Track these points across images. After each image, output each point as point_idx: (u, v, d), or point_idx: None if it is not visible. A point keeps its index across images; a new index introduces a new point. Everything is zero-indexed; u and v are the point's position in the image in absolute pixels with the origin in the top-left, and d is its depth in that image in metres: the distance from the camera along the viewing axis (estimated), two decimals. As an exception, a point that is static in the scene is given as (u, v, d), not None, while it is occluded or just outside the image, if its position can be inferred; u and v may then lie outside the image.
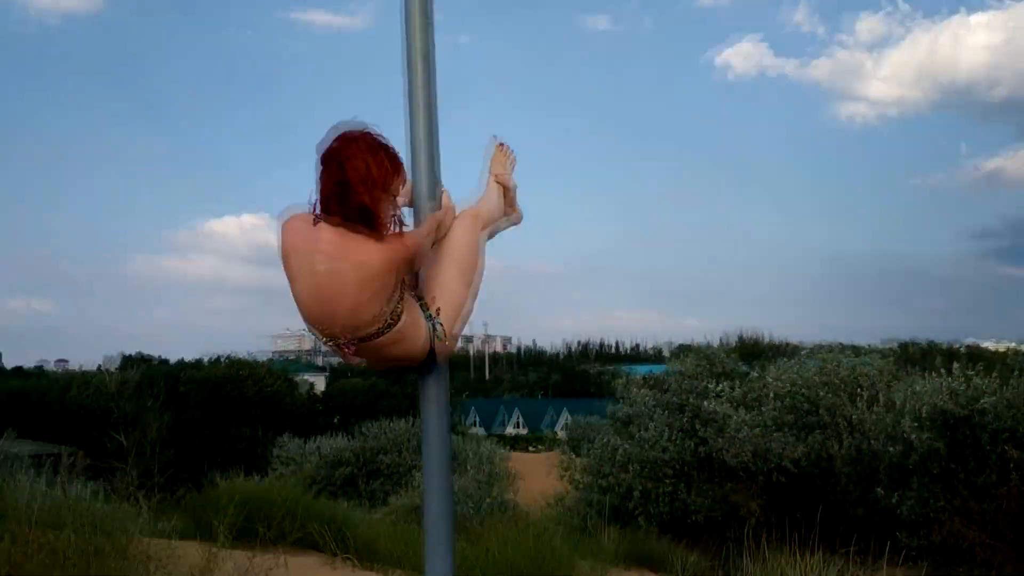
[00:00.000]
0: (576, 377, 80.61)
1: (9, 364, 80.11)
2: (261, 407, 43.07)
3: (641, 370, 23.50)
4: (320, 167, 2.38)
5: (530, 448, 45.88)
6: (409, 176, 2.62)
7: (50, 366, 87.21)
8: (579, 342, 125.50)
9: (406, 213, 2.64)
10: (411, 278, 2.60)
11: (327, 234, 2.33)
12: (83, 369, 65.44)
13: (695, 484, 12.39)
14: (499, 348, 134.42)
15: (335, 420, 43.44)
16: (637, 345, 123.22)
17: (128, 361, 75.73)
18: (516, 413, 68.25)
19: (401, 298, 2.43)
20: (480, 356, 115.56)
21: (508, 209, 3.04)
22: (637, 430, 13.65)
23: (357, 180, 2.29)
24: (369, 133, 2.38)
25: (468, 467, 15.44)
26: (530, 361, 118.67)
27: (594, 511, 13.02)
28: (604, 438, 14.61)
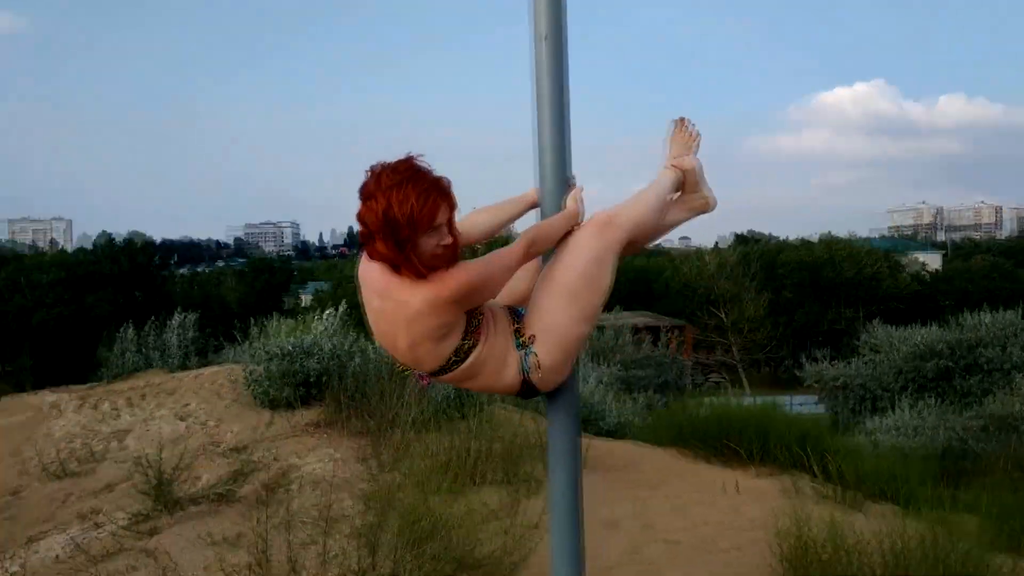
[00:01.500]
0: None
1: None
2: (858, 289, 41.39)
3: None
4: None
5: None
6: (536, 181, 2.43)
7: (673, 244, 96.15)
8: None
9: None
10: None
11: (376, 270, 2.16)
12: (700, 247, 70.62)
13: None
14: None
15: (947, 304, 39.64)
16: None
17: (740, 240, 79.50)
18: None
19: (471, 332, 2.19)
20: None
21: (689, 196, 2.66)
22: None
23: (377, 226, 2.04)
24: (400, 164, 2.07)
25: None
26: None
27: None
28: None
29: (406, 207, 2.00)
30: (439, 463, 5.97)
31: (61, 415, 8.06)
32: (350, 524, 4.94)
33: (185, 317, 10.59)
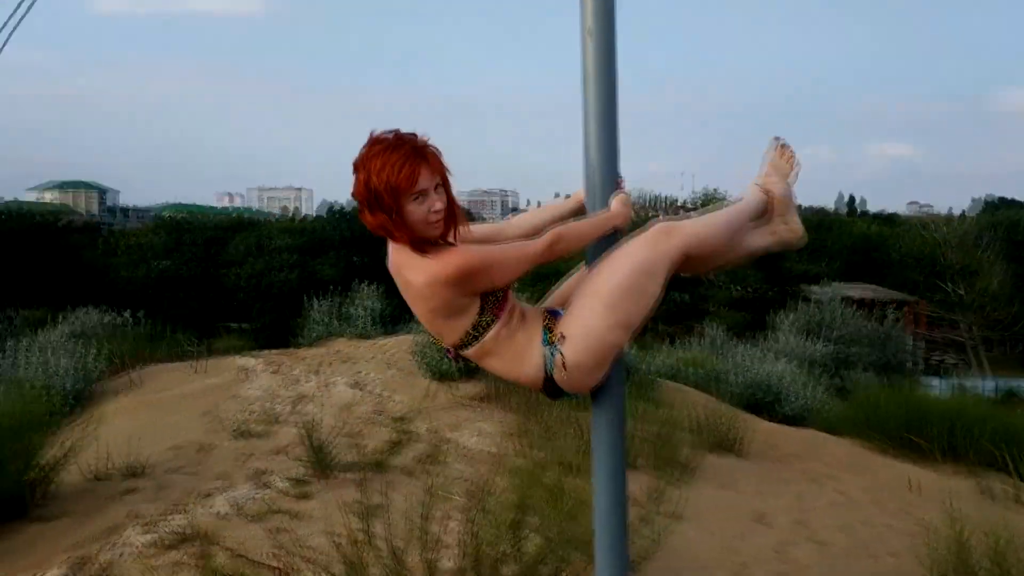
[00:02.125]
0: None
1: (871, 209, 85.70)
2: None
3: None
4: None
5: None
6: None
7: (904, 211, 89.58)
8: None
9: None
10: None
11: (393, 250, 2.16)
12: (941, 213, 65.24)
13: None
14: None
15: None
16: None
17: (990, 206, 72.74)
18: None
19: (486, 309, 2.15)
20: None
21: (777, 222, 2.47)
22: None
23: (363, 197, 2.07)
24: (384, 135, 2.07)
25: None
26: None
27: None
28: None
29: (383, 175, 2.01)
30: (589, 442, 5.89)
31: (253, 378, 8.74)
32: (483, 501, 4.99)
33: (368, 288, 11.14)
